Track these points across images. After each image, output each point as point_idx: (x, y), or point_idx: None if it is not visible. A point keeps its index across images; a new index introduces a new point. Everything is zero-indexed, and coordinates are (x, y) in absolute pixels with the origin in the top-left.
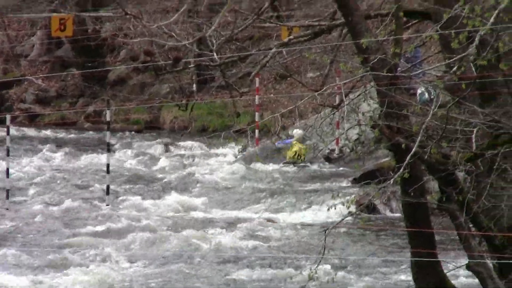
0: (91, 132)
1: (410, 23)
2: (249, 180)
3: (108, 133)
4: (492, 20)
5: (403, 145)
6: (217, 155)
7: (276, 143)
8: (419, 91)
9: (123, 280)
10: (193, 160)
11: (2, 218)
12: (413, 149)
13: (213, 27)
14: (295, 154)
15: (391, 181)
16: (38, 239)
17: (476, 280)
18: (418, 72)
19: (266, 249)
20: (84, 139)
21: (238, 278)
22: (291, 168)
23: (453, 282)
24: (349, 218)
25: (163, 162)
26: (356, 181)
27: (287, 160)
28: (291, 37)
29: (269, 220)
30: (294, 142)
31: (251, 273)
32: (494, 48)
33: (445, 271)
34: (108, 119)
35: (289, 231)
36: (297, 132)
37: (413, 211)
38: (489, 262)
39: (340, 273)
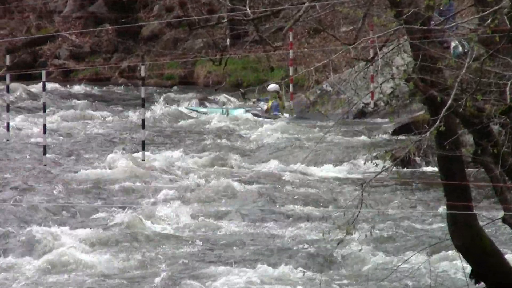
0: (125, 87)
1: None
2: (284, 134)
3: (142, 88)
4: None
5: (438, 99)
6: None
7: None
8: (453, 45)
9: (161, 234)
10: (228, 115)
11: (39, 174)
12: (448, 103)
13: None
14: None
15: (427, 134)
16: (74, 195)
17: None
18: (451, 25)
19: (303, 203)
20: (118, 94)
21: (274, 233)
22: (328, 122)
23: (488, 235)
24: (386, 172)
25: (198, 117)
26: (391, 134)
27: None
28: None
29: (305, 174)
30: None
31: (288, 227)
32: None
33: (480, 224)
34: (142, 74)
35: (325, 185)
36: (271, 87)
37: (448, 165)
38: None
39: (378, 227)
